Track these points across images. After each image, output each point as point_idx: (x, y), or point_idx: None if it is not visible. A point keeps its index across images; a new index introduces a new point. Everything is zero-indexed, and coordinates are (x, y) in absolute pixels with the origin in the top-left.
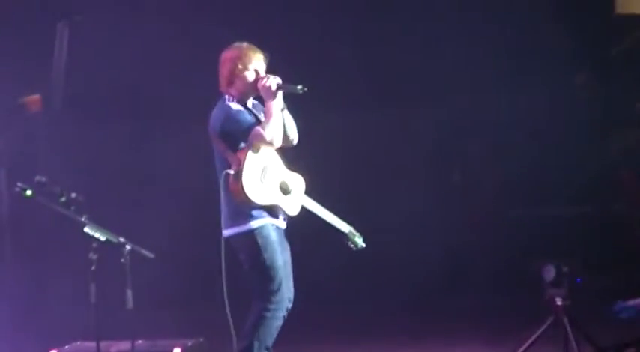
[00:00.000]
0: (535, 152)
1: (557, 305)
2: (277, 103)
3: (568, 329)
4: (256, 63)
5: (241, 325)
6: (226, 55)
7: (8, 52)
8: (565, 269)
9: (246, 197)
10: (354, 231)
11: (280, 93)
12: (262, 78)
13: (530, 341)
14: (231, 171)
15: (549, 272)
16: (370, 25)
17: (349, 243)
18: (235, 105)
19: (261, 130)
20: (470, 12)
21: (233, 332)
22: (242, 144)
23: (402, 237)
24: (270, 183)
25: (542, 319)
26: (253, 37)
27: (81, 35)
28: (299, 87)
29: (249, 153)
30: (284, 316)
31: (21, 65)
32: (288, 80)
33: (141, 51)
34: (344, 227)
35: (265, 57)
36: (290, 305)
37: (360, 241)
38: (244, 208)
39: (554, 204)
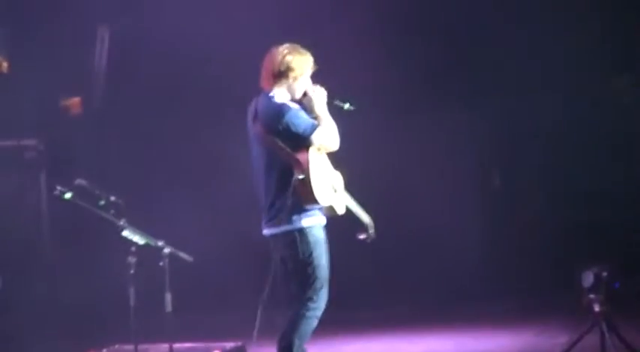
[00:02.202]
0: (577, 156)
1: (596, 312)
2: (326, 111)
3: (606, 334)
4: (309, 71)
5: (270, 327)
6: (286, 58)
7: (49, 55)
8: (604, 275)
9: (315, 200)
10: (371, 222)
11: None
12: (313, 89)
13: (568, 346)
14: (301, 176)
15: (588, 278)
16: (412, 27)
17: (364, 234)
18: (293, 104)
19: (323, 135)
20: (511, 11)
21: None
22: (302, 145)
23: (442, 239)
24: (327, 183)
25: (580, 323)
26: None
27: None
28: (346, 105)
29: (311, 155)
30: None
31: (62, 68)
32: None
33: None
34: (364, 217)
35: (315, 64)
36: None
37: (372, 232)
38: (297, 206)
39: (595, 208)
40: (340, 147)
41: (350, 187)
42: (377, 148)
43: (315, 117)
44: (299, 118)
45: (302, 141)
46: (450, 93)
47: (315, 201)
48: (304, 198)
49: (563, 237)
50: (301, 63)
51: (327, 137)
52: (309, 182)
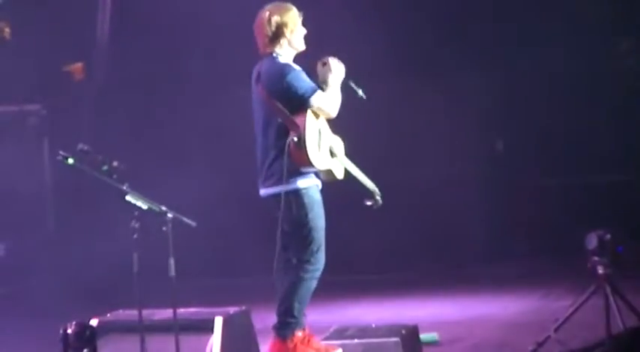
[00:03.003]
0: (580, 120)
1: (600, 274)
2: (339, 82)
3: (610, 297)
4: (297, 19)
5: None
6: (274, 18)
7: (52, 21)
8: (607, 237)
9: (310, 163)
10: (376, 189)
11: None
12: (331, 59)
13: (572, 308)
14: (295, 138)
15: (592, 241)
16: None
17: (371, 200)
18: (295, 65)
19: (325, 97)
20: None
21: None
22: (300, 107)
23: (447, 203)
24: (324, 147)
25: (585, 286)
26: None
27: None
28: (360, 91)
29: (308, 119)
30: (317, 278)
31: (64, 34)
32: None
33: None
34: (368, 183)
35: (301, 15)
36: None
37: (379, 199)
38: (293, 168)
39: (599, 172)
40: (343, 113)
41: (352, 152)
42: (380, 113)
43: (325, 85)
44: (300, 80)
45: (301, 103)
46: (453, 57)
47: (310, 164)
48: (298, 160)
49: (566, 201)
50: (288, 17)
51: (326, 102)
52: (304, 144)
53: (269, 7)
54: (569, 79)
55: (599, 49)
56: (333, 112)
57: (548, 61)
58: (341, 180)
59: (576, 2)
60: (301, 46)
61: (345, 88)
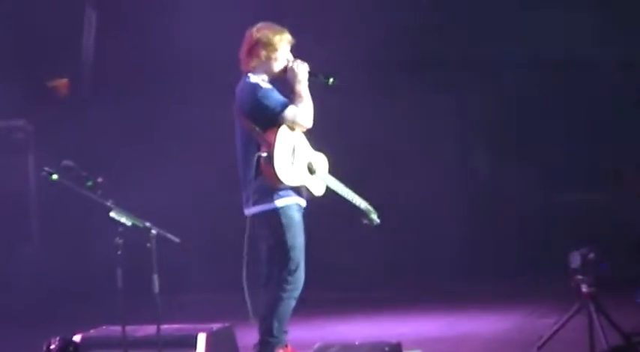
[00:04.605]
0: (564, 138)
1: (584, 292)
2: (306, 87)
3: (594, 315)
4: (285, 45)
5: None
6: (256, 35)
7: (36, 37)
8: (591, 256)
9: (278, 179)
10: (370, 207)
11: (306, 79)
12: (293, 62)
13: (556, 327)
14: (264, 154)
15: (575, 260)
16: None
17: (365, 219)
18: (265, 84)
19: (295, 112)
20: None
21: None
22: (272, 124)
23: (429, 220)
24: (299, 163)
25: (569, 305)
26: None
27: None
28: (331, 79)
29: (280, 134)
30: (297, 298)
31: (50, 50)
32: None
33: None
34: (362, 204)
35: (292, 38)
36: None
37: (375, 217)
38: (271, 187)
39: (581, 190)
40: (323, 127)
41: (333, 169)
42: (361, 127)
43: (294, 95)
44: (270, 97)
45: (273, 118)
46: (437, 73)
47: (278, 180)
48: (268, 175)
49: (551, 219)
50: (273, 38)
51: (299, 114)
52: (272, 160)
53: (261, 24)
54: (546, 99)
55: (578, 64)
56: (308, 123)
57: (525, 81)
58: (323, 198)
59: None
60: (278, 72)
61: (316, 83)
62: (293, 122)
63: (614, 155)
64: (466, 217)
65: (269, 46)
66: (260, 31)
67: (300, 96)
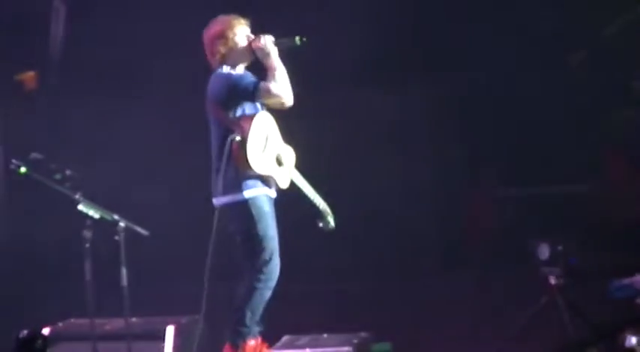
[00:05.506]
0: (533, 130)
1: (552, 284)
2: (277, 57)
3: (562, 308)
4: (242, 30)
5: (226, 299)
6: (211, 32)
7: (4, 30)
8: (559, 248)
9: (248, 165)
10: (328, 209)
11: (276, 50)
12: (255, 39)
13: (524, 320)
14: (238, 138)
15: (544, 251)
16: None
17: (321, 222)
18: (236, 71)
19: (269, 84)
20: None
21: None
22: (247, 109)
23: (397, 212)
24: (270, 153)
25: (537, 298)
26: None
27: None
28: (297, 38)
29: (255, 122)
30: (272, 288)
31: (17, 42)
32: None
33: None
34: (321, 204)
35: (248, 21)
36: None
37: (331, 220)
38: (240, 177)
39: (551, 182)
40: (291, 124)
41: (305, 163)
42: (333, 125)
43: (267, 71)
44: (243, 78)
45: (250, 97)
46: (405, 67)
47: (249, 167)
48: (239, 160)
49: (522, 212)
50: (223, 29)
51: (274, 87)
52: (245, 145)
53: (210, 22)
54: (524, 89)
55: (550, 62)
56: (287, 97)
57: (505, 71)
58: (295, 191)
59: (527, 15)
60: (246, 56)
61: (285, 51)
62: (270, 94)
63: (587, 148)
64: (438, 210)
65: (222, 38)
66: (210, 28)
67: (272, 68)
